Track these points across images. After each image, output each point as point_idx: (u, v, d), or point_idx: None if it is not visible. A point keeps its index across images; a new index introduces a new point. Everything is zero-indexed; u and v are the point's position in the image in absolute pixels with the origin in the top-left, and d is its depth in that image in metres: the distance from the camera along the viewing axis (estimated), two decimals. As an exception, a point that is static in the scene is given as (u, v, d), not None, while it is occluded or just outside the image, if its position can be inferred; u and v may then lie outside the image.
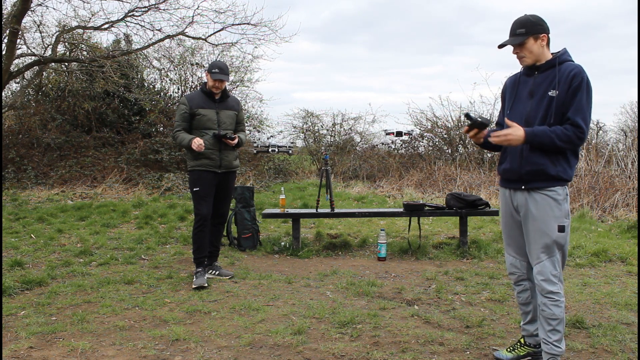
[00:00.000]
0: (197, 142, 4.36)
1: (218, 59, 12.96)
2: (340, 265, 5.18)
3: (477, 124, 2.75)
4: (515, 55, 2.75)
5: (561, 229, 2.65)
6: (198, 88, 4.79)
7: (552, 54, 2.73)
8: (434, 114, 13.16)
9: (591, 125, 12.65)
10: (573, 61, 2.68)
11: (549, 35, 2.72)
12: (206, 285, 4.33)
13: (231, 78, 13.32)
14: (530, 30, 2.66)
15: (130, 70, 11.55)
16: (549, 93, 2.63)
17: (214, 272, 4.67)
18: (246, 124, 13.40)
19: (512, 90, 2.85)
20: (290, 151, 5.87)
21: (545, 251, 2.67)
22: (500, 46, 2.73)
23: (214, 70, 4.46)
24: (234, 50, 12.39)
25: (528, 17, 2.70)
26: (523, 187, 2.72)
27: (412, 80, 33.83)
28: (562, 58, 2.68)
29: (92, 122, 12.11)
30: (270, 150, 5.58)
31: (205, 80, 4.59)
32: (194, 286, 4.30)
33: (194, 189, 4.51)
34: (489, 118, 2.82)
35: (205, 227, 4.54)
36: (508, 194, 2.84)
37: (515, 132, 2.62)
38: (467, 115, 2.77)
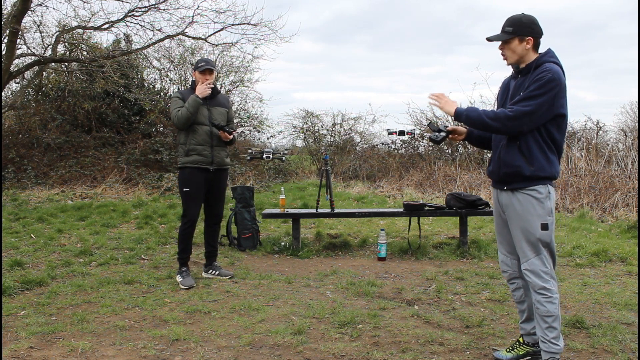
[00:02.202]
0: (201, 86, 4.38)
1: (217, 59, 12.98)
2: (340, 265, 5.18)
3: (431, 140, 2.87)
4: (500, 52, 2.78)
5: (544, 227, 2.67)
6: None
7: (539, 53, 2.74)
8: (434, 114, 13.16)
9: (591, 125, 12.55)
10: (555, 62, 2.66)
11: (539, 39, 2.72)
12: (194, 284, 4.35)
13: (231, 78, 13.34)
14: (518, 30, 2.69)
15: (130, 70, 11.54)
16: (521, 94, 2.66)
17: (213, 272, 4.67)
18: (246, 124, 13.44)
19: (503, 94, 2.91)
20: (283, 158, 5.88)
21: (532, 249, 2.70)
22: (489, 39, 2.77)
23: (200, 65, 4.50)
24: (234, 50, 12.42)
25: (520, 16, 2.72)
26: (505, 187, 2.78)
27: (413, 80, 33.85)
28: (540, 60, 2.68)
29: (92, 122, 12.11)
30: (264, 156, 5.58)
31: (194, 79, 4.57)
32: (184, 287, 4.30)
33: (185, 189, 4.46)
34: (441, 130, 2.96)
35: (193, 229, 4.54)
36: (495, 194, 2.91)
37: (450, 100, 2.80)
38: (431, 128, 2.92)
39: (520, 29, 2.68)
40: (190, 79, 13.02)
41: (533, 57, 2.72)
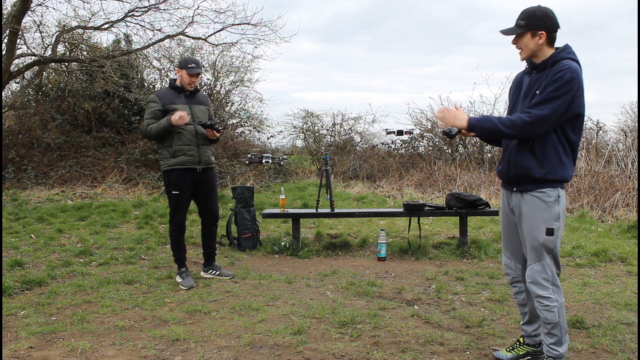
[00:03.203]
0: (177, 115, 4.20)
1: (217, 59, 12.98)
2: (340, 265, 5.18)
3: (444, 134, 2.76)
4: (515, 46, 2.67)
5: (549, 232, 2.58)
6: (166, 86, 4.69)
7: (555, 48, 2.62)
8: (434, 114, 13.16)
9: (591, 125, 12.55)
10: (573, 59, 2.54)
11: (553, 33, 2.58)
12: (194, 285, 4.35)
13: (231, 78, 13.32)
14: (530, 24, 2.56)
15: (130, 70, 11.53)
16: (537, 92, 2.55)
17: (214, 272, 4.67)
18: (246, 124, 13.42)
19: (516, 90, 2.80)
20: (282, 162, 5.92)
21: (534, 254, 2.63)
22: (502, 32, 2.64)
23: (190, 66, 4.40)
24: (234, 50, 12.37)
25: (535, 9, 2.57)
26: (515, 189, 2.71)
27: (413, 80, 33.86)
28: (557, 57, 2.55)
29: (92, 122, 12.11)
30: (264, 161, 5.61)
31: (174, 77, 4.49)
32: (184, 288, 4.30)
33: (174, 192, 4.38)
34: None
35: (183, 231, 4.54)
36: (505, 195, 2.83)
37: (458, 112, 2.63)
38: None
39: (533, 23, 2.54)
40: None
41: (548, 53, 2.58)
